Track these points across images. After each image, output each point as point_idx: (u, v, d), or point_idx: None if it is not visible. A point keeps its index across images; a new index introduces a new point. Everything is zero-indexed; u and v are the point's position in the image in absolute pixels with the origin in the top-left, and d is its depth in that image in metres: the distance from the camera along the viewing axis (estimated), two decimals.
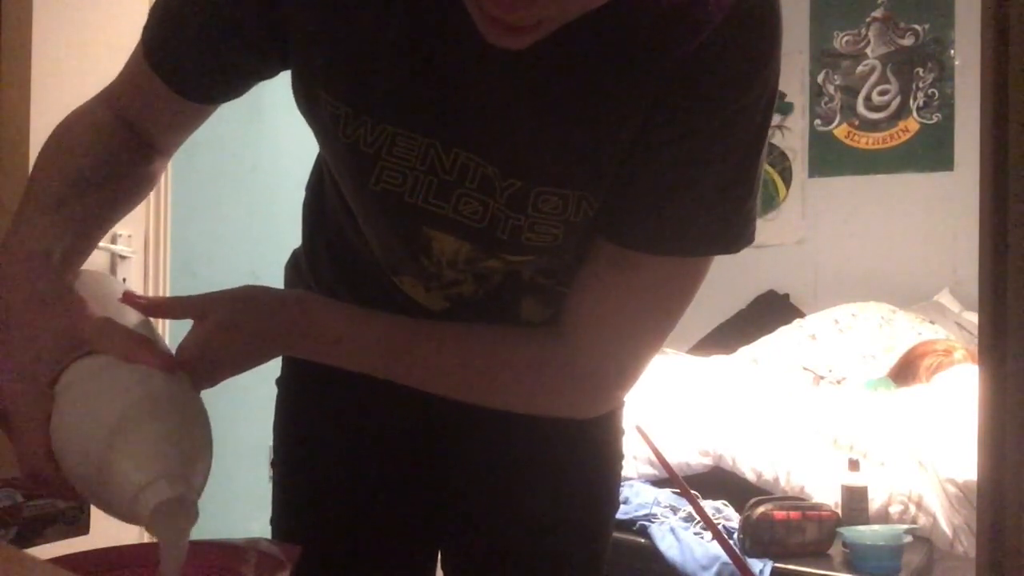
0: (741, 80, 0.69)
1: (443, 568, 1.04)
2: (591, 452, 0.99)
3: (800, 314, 3.92)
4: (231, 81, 0.81)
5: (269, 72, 0.80)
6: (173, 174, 2.26)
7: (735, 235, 0.75)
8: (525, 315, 0.87)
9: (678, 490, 2.36)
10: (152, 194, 1.12)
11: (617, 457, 1.02)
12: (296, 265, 1.01)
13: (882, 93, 4.13)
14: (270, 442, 1.03)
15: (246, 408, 1.89)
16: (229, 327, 0.73)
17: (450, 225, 0.77)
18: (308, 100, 0.77)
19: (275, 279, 1.05)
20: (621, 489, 1.07)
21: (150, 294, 2.21)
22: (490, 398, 0.81)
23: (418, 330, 0.80)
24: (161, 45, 0.79)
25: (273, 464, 1.03)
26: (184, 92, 0.79)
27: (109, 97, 0.84)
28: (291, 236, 1.04)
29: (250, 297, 0.76)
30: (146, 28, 0.80)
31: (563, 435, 0.91)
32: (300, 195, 1.01)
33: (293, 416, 1.01)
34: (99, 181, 0.76)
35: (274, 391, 1.04)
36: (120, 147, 0.80)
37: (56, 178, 0.75)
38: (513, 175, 0.73)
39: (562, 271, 0.84)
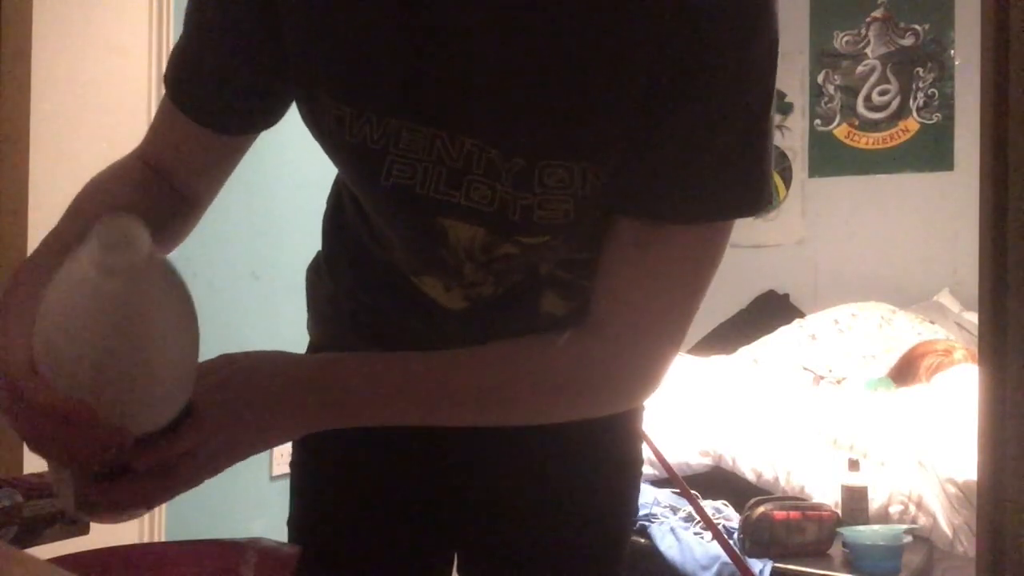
0: (740, 28, 0.68)
1: (459, 572, 1.04)
2: (609, 457, 0.98)
3: (800, 314, 3.92)
4: (255, 107, 0.81)
5: (290, 91, 0.80)
6: None
7: (754, 195, 0.74)
8: (546, 308, 0.87)
9: (678, 490, 2.36)
10: None
11: (636, 462, 1.01)
12: (317, 269, 1.02)
13: (882, 93, 4.13)
14: None
15: None
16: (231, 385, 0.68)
17: (463, 213, 0.77)
18: (311, 108, 0.77)
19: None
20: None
21: None
22: (537, 415, 0.80)
23: (449, 362, 0.77)
24: (182, 82, 0.80)
25: (291, 465, 1.03)
26: (210, 124, 0.80)
27: (142, 150, 0.84)
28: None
29: (253, 368, 0.71)
30: (167, 70, 0.82)
31: (581, 440, 0.91)
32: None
33: None
34: None
35: None
36: (156, 201, 0.80)
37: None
38: (516, 153, 0.73)
39: (580, 263, 0.83)
